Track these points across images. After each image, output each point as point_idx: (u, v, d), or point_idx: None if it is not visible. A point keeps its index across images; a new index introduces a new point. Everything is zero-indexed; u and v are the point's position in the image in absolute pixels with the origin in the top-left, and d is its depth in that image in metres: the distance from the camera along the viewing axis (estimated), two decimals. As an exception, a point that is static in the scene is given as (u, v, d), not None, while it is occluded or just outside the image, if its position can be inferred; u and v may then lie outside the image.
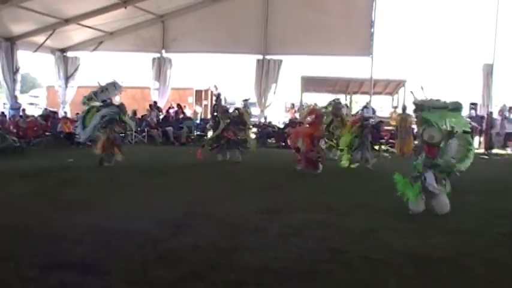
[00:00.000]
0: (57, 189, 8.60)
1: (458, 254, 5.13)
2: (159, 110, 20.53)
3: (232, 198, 7.92)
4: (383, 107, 25.27)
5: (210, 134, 18.86)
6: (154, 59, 21.77)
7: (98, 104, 11.70)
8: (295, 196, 8.29)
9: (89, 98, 11.79)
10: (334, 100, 14.96)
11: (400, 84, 22.98)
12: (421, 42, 50.11)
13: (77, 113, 14.46)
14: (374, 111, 22.03)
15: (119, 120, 11.83)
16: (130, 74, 26.32)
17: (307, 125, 11.98)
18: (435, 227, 6.25)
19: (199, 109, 24.40)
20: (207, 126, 19.10)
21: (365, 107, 16.79)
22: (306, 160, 11.16)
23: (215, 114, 16.19)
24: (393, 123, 18.68)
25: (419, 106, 7.09)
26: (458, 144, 6.79)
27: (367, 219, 6.58)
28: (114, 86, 11.91)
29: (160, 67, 21.68)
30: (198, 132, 19.89)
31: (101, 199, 7.64)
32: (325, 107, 13.98)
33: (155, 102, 20.91)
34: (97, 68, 26.30)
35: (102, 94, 11.72)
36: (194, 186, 9.16)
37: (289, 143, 12.58)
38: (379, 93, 23.82)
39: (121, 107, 11.89)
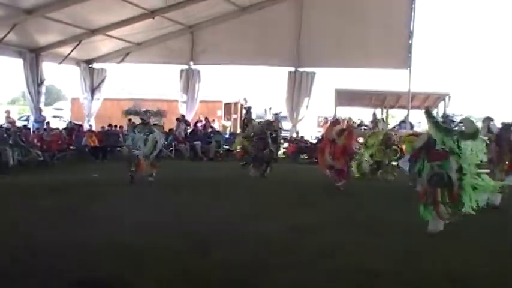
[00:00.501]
0: (83, 204, 8.80)
1: (500, 275, 5.08)
2: (187, 123, 20.72)
3: (264, 216, 7.97)
4: (422, 122, 25.02)
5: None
6: (182, 70, 22.03)
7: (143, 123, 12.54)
8: (328, 214, 8.30)
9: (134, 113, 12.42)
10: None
11: (440, 97, 22.78)
12: (464, 53, 49.68)
13: (129, 121, 14.41)
14: (412, 127, 21.95)
15: None
16: (158, 86, 26.60)
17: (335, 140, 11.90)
18: (476, 246, 6.20)
19: (228, 123, 24.59)
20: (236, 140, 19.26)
21: (402, 121, 16.68)
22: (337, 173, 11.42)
23: (245, 127, 16.30)
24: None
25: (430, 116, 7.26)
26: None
27: (403, 239, 6.56)
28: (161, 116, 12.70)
29: (189, 79, 21.91)
30: (227, 147, 19.98)
31: (128, 215, 7.78)
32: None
33: (183, 116, 21.16)
34: (124, 80, 26.70)
35: (153, 118, 12.39)
36: (224, 202, 9.25)
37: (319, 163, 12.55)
38: (418, 107, 23.60)
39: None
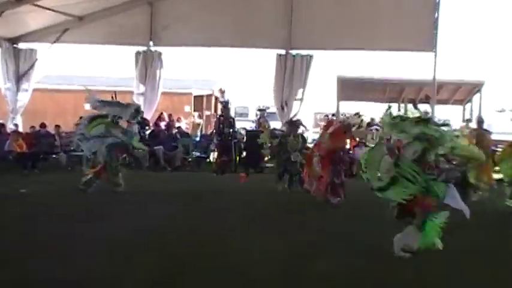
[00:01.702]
0: (8, 227, 8.76)
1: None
2: (145, 122, 20.66)
3: (254, 239, 8.06)
4: (451, 119, 25.24)
5: (213, 155, 19.23)
6: (138, 53, 21.90)
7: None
8: (329, 235, 8.43)
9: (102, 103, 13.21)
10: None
11: (474, 88, 22.99)
12: (504, 33, 50.12)
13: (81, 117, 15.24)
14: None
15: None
16: (106, 73, 26.59)
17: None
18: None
19: (199, 121, 24.60)
20: (211, 145, 19.29)
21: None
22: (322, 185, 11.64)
23: (221, 127, 16.36)
24: (465, 142, 18.63)
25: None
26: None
27: (417, 265, 6.74)
28: (136, 112, 13.73)
29: (147, 65, 21.80)
30: (198, 154, 20.01)
31: (75, 233, 7.84)
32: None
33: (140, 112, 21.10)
34: (60, 66, 26.63)
35: (120, 110, 13.34)
36: (202, 221, 9.32)
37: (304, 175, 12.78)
38: (446, 101, 23.80)
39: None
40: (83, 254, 7.08)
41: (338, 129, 12.19)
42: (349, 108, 22.65)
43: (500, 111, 41.82)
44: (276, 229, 9.00)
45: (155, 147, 19.17)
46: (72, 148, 18.31)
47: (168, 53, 22.38)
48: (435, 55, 20.36)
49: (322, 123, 24.66)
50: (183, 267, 6.58)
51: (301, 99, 21.22)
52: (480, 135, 17.07)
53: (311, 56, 21.11)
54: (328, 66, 24.71)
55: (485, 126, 17.37)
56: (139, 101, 21.87)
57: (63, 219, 9.44)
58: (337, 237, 8.41)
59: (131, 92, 22.22)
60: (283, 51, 21.20)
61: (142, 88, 21.82)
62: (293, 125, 14.12)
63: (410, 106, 7.89)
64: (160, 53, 21.94)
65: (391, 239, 7.21)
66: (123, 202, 11.31)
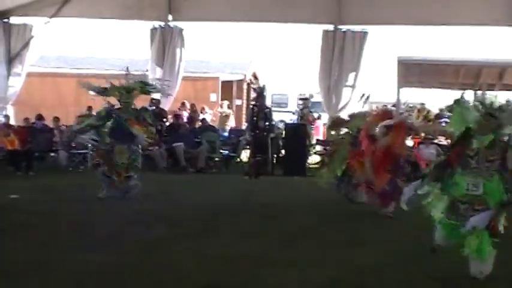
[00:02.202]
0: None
1: None
2: (162, 114, 20.58)
3: (285, 262, 7.81)
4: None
5: (245, 154, 19.05)
6: (154, 29, 21.90)
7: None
8: (386, 260, 8.11)
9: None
10: None
11: None
12: None
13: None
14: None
15: None
16: (115, 54, 26.61)
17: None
18: None
19: (228, 112, 24.46)
20: (241, 140, 19.13)
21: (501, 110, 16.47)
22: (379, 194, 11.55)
23: (255, 119, 16.19)
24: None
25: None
26: None
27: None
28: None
29: (165, 43, 21.80)
30: (226, 152, 19.85)
31: (64, 260, 7.61)
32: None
33: (156, 101, 20.96)
34: (61, 45, 26.77)
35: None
36: (221, 242, 9.07)
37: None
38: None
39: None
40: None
41: (400, 124, 11.95)
42: (412, 96, 22.28)
43: None
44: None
45: (174, 144, 19.08)
46: (73, 145, 18.32)
47: (191, 30, 22.34)
48: (520, 30, 20.07)
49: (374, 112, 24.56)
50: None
51: (352, 86, 20.99)
52: None
53: (365, 33, 20.92)
54: (386, 46, 24.35)
55: None
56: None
57: (55, 236, 9.23)
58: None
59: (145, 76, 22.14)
60: (330, 27, 21.02)
61: (159, 72, 21.74)
62: None
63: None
64: (181, 29, 21.89)
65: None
66: (129, 222, 11.08)
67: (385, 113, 12.83)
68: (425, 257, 8.10)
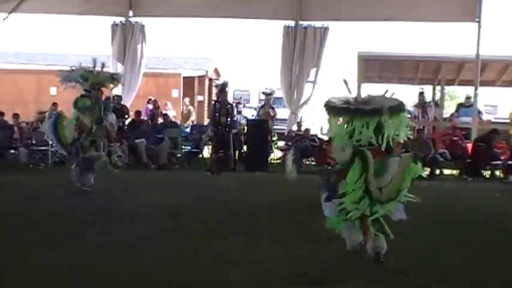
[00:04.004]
0: None
1: None
2: (123, 110, 20.48)
3: (247, 260, 7.76)
4: (498, 106, 25.06)
5: (207, 150, 19.02)
6: (115, 25, 21.84)
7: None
8: (346, 254, 8.09)
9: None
10: None
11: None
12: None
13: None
14: (480, 114, 21.93)
15: None
16: (75, 50, 26.42)
17: None
18: None
19: (190, 109, 24.42)
20: (203, 137, 19.10)
21: (462, 105, 16.66)
22: None
23: (217, 115, 16.19)
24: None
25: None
26: None
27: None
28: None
29: (126, 39, 21.70)
30: (189, 148, 19.79)
31: (26, 260, 7.52)
32: None
33: (117, 98, 20.85)
34: (18, 41, 26.54)
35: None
36: (182, 240, 9.01)
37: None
38: (492, 82, 23.58)
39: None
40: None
41: None
42: (372, 91, 22.35)
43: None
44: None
45: (136, 141, 19.01)
46: (33, 142, 18.19)
47: (152, 25, 22.29)
48: (479, 26, 20.33)
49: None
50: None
51: (314, 81, 21.08)
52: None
53: (326, 28, 20.99)
54: (347, 41, 24.47)
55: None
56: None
57: (16, 235, 9.06)
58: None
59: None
60: (292, 23, 21.08)
61: (120, 68, 21.66)
62: None
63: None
64: (142, 25, 21.83)
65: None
66: (90, 220, 10.96)
67: None
68: (389, 253, 8.17)
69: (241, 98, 20.72)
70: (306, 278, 6.97)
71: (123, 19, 21.75)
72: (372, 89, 23.82)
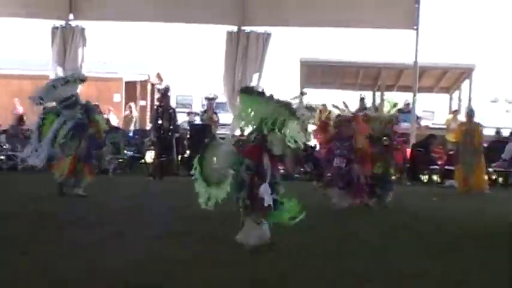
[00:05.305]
0: None
1: None
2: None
3: (204, 262, 7.80)
4: (435, 111, 25.43)
5: (150, 155, 18.98)
6: (55, 29, 21.58)
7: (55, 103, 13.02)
8: (307, 257, 8.19)
9: (46, 93, 12.76)
10: None
11: (463, 74, 23.19)
12: (497, 9, 50.79)
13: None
14: (419, 119, 22.23)
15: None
16: (15, 53, 26.08)
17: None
18: None
19: (133, 114, 24.31)
20: (146, 141, 19.05)
21: (400, 111, 16.89)
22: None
23: (159, 121, 16.22)
24: (452, 138, 18.77)
25: None
26: None
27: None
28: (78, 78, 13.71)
29: (66, 43, 21.49)
30: (131, 153, 19.70)
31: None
32: None
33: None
34: None
35: (66, 87, 13.00)
36: (134, 243, 9.01)
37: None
38: (430, 88, 24.00)
39: (89, 105, 13.53)
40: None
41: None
42: (314, 96, 22.53)
43: (493, 102, 42.44)
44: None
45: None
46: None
47: (93, 29, 22.10)
48: (417, 34, 20.59)
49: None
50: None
51: (256, 86, 21.11)
52: (470, 129, 17.20)
53: (269, 34, 21.07)
54: (289, 47, 24.60)
55: (476, 119, 17.52)
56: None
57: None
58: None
59: (47, 77, 21.79)
60: (234, 28, 21.13)
61: (60, 71, 21.43)
62: None
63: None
64: (83, 29, 21.62)
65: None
66: (41, 225, 10.89)
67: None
68: (351, 255, 8.31)
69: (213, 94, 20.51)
70: (266, 280, 6.99)
71: (63, 22, 21.54)
72: (314, 94, 24.24)
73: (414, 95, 21.10)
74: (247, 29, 21.00)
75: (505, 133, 22.25)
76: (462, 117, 19.58)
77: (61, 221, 10.50)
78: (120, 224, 10.61)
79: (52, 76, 21.31)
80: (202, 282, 7.04)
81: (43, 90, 12.84)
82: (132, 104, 24.41)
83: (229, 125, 21.15)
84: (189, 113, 20.44)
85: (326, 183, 12.61)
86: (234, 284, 6.93)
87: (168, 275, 7.37)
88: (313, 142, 19.36)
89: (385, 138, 12.95)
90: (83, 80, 13.94)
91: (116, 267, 7.27)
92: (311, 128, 21.97)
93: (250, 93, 8.15)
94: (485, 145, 18.15)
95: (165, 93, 17.23)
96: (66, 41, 21.48)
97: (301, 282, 7.14)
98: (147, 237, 9.55)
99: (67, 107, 12.85)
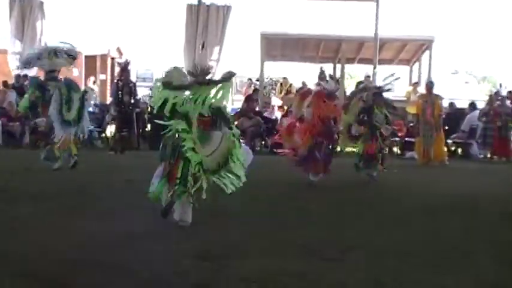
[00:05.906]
0: None
1: None
2: (24, 90, 20.14)
3: (147, 237, 7.85)
4: (395, 83, 25.58)
5: (110, 129, 18.96)
6: (13, 1, 21.38)
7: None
8: (253, 230, 8.26)
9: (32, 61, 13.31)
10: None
11: (423, 46, 23.39)
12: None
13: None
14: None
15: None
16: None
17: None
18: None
19: (93, 88, 24.21)
20: (107, 117, 19.02)
21: (361, 84, 17.04)
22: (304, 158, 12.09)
23: (120, 95, 16.21)
24: (412, 110, 18.98)
25: None
26: None
27: (369, 268, 6.67)
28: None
29: (24, 17, 21.33)
30: (91, 128, 19.64)
31: None
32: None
33: (16, 77, 20.52)
34: None
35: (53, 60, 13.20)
36: (81, 220, 9.02)
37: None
38: (389, 61, 24.16)
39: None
40: None
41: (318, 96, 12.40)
42: (275, 70, 22.65)
43: (454, 73, 42.81)
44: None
45: (36, 120, 18.70)
46: None
47: (52, 3, 21.92)
48: (377, 5, 20.70)
49: (245, 87, 24.78)
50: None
51: (217, 60, 21.17)
52: (429, 101, 17.40)
53: (229, 7, 21.11)
54: (250, 21, 24.62)
55: (435, 91, 17.71)
56: (14, 61, 21.30)
57: None
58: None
59: (5, 51, 21.70)
60: (194, 1, 21.22)
61: (18, 45, 21.30)
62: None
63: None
64: (41, 2, 21.51)
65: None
66: None
67: (305, 93, 13.11)
68: (300, 227, 8.43)
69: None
70: (211, 253, 6.98)
71: (21, -6, 21.36)
72: (275, 68, 24.35)
73: (374, 68, 21.32)
74: (208, 1, 21.02)
75: (465, 104, 22.46)
76: (422, 89, 19.75)
77: (13, 196, 10.53)
78: (72, 199, 10.57)
79: (11, 50, 21.26)
80: (147, 254, 7.14)
81: (31, 57, 13.29)
82: (91, 78, 24.30)
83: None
84: (151, 88, 20.37)
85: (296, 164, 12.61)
86: (178, 257, 6.91)
87: (115, 249, 7.41)
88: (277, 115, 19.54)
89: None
90: (74, 57, 13.74)
91: (64, 242, 7.34)
92: (275, 100, 22.20)
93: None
94: (443, 116, 18.35)
95: (125, 68, 17.19)
96: (25, 14, 21.32)
97: (247, 255, 7.17)
98: (99, 212, 9.62)
99: (52, 79, 13.15)
